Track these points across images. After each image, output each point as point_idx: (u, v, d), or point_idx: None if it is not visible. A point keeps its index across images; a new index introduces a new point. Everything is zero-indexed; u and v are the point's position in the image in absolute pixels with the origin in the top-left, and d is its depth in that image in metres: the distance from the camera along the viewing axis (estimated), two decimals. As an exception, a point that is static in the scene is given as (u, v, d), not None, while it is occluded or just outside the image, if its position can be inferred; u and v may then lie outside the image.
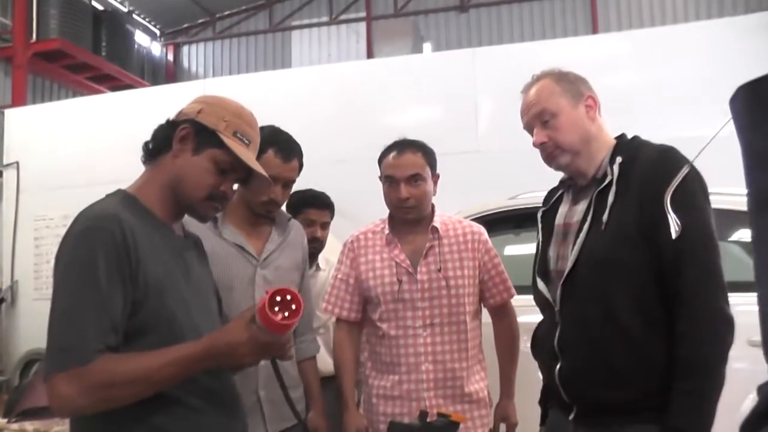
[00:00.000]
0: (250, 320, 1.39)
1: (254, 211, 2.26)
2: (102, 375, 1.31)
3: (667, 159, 1.69)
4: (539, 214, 2.03)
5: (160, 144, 1.56)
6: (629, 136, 1.87)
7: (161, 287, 1.44)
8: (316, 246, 3.06)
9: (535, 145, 1.84)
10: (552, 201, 2.00)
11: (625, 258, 1.67)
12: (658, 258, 1.64)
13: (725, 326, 1.62)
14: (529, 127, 1.87)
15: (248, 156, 1.55)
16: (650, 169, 1.68)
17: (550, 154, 1.83)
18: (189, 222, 1.70)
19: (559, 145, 1.80)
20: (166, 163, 1.55)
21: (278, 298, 1.36)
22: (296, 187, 3.21)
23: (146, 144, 1.60)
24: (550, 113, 1.79)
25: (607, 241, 1.69)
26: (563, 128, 1.79)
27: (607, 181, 1.74)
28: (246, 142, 1.57)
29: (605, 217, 1.70)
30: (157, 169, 1.57)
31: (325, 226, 3.13)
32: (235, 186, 1.67)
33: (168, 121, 1.59)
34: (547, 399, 2.02)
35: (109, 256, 1.36)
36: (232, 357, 1.40)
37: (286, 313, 1.36)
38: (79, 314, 1.33)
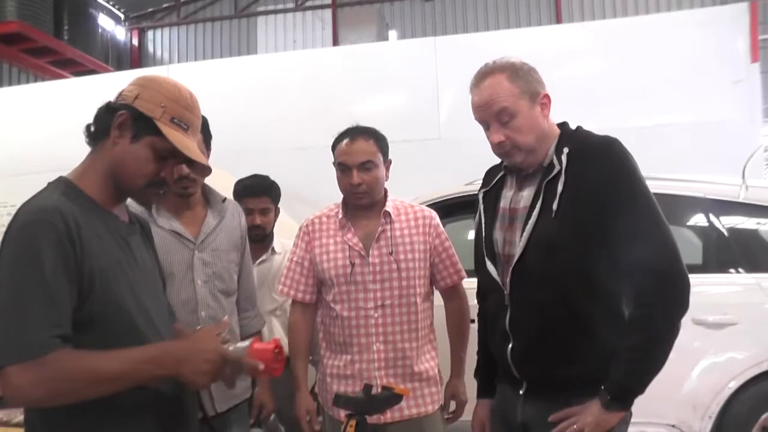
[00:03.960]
0: (223, 340, 1.49)
1: (173, 192, 2.22)
2: (56, 369, 1.31)
3: (617, 150, 1.77)
4: (480, 194, 2.08)
5: (100, 129, 1.54)
6: (571, 125, 1.93)
7: (107, 277, 1.44)
8: (258, 233, 3.07)
9: (492, 143, 1.86)
10: (493, 182, 2.05)
11: (576, 243, 1.75)
12: (609, 242, 1.72)
13: (679, 289, 1.70)
14: (484, 123, 1.89)
15: (186, 144, 1.53)
16: (602, 162, 1.75)
17: (507, 152, 1.87)
18: (131, 203, 1.70)
19: (516, 145, 1.84)
20: (106, 150, 1.53)
21: (277, 350, 1.52)
22: (259, 172, 3.27)
23: (88, 127, 1.57)
24: (509, 113, 1.81)
25: (558, 227, 1.76)
26: (522, 129, 1.82)
27: (555, 171, 1.80)
28: (184, 127, 1.55)
29: (555, 205, 1.76)
30: (98, 154, 1.54)
31: (264, 211, 3.13)
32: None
33: (107, 105, 1.55)
34: (486, 372, 2.11)
35: (54, 250, 1.35)
36: (192, 363, 1.43)
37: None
38: (29, 307, 1.32)
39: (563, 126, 1.94)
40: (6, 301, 1.35)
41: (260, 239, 3.10)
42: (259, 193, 3.12)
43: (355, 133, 2.43)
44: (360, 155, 2.38)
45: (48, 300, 1.34)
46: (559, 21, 12.43)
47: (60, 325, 1.35)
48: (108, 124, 1.52)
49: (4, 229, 1.42)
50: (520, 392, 1.88)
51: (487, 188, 2.07)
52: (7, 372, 1.31)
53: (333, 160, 2.48)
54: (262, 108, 6.08)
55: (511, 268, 1.85)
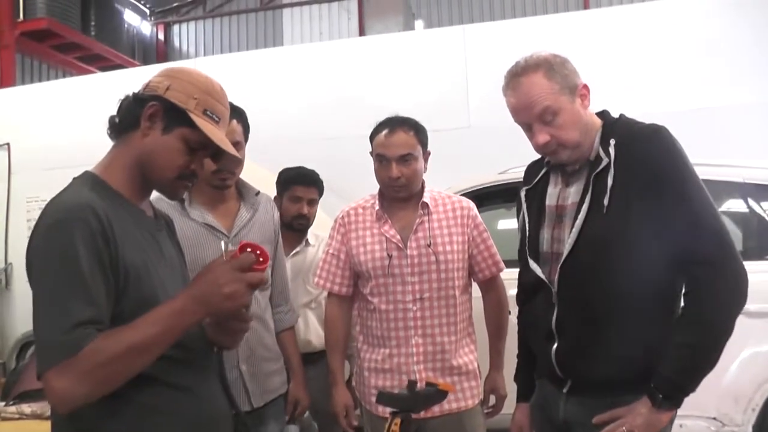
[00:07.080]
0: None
1: (210, 184, 2.22)
2: (92, 357, 1.27)
3: (665, 138, 1.69)
4: (522, 193, 2.00)
5: (128, 120, 1.50)
6: (612, 114, 1.85)
7: (139, 273, 1.41)
8: (302, 222, 3.08)
9: (538, 144, 1.78)
10: (536, 180, 1.97)
11: (628, 238, 1.67)
12: (662, 235, 1.64)
13: (734, 282, 1.61)
14: (526, 125, 1.80)
15: (219, 136, 1.51)
16: (650, 151, 1.67)
17: (553, 151, 1.79)
18: (158, 201, 1.67)
19: (562, 143, 1.76)
20: (134, 141, 1.49)
21: (249, 249, 1.41)
22: (288, 164, 3.26)
23: (112, 118, 1.53)
24: (552, 112, 1.73)
25: (610, 223, 1.68)
26: (566, 126, 1.74)
27: (603, 164, 1.72)
28: (216, 119, 1.53)
29: (606, 199, 1.69)
30: (125, 146, 1.51)
31: (312, 202, 3.14)
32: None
33: (135, 96, 1.52)
34: (527, 376, 2.04)
35: (89, 247, 1.32)
36: (214, 291, 1.35)
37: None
38: (65, 308, 1.29)
39: (604, 115, 1.85)
40: (45, 303, 1.32)
41: (303, 229, 3.11)
42: (309, 183, 3.13)
43: (394, 124, 2.38)
44: (400, 148, 2.33)
45: (87, 299, 1.30)
46: (586, 6, 12.25)
47: (99, 322, 1.31)
48: (137, 115, 1.48)
49: (32, 224, 1.39)
50: (564, 390, 1.82)
51: (529, 186, 1.99)
52: (48, 378, 1.27)
53: (371, 150, 2.43)
54: (290, 100, 6.07)
55: (559, 266, 1.77)
